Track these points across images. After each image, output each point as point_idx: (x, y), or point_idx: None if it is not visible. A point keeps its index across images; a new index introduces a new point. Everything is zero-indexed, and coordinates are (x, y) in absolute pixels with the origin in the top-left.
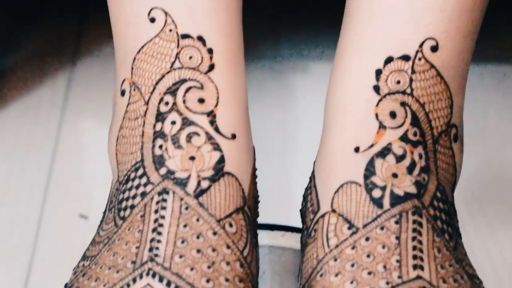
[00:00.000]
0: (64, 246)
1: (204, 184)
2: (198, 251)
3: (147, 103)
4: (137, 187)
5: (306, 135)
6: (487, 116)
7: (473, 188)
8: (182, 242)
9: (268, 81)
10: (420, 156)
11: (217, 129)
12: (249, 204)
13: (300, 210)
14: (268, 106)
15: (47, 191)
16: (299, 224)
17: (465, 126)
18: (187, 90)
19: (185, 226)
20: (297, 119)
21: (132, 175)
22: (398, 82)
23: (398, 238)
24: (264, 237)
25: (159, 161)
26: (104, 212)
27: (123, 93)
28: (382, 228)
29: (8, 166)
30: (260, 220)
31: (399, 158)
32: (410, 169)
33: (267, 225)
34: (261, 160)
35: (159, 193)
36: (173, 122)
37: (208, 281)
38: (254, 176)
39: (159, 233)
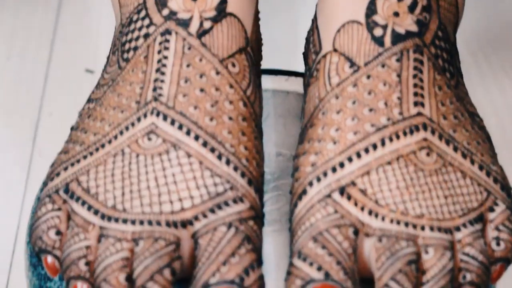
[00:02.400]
0: (71, 100)
1: (207, 24)
2: (202, 90)
3: None
4: (140, 29)
5: None
6: None
7: (478, 37)
8: (186, 81)
9: None
10: None
11: None
12: (252, 46)
13: (303, 53)
14: None
15: (53, 47)
16: (303, 69)
17: None
18: None
19: (188, 66)
20: None
21: (135, 17)
22: None
23: (399, 75)
24: (268, 82)
25: (161, 2)
26: (108, 57)
27: None
28: (383, 66)
29: (14, 22)
30: (265, 66)
31: None
32: (412, 8)
33: (271, 70)
34: (266, 6)
35: (162, 34)
36: None
37: (211, 119)
38: (257, 19)
39: (163, 73)
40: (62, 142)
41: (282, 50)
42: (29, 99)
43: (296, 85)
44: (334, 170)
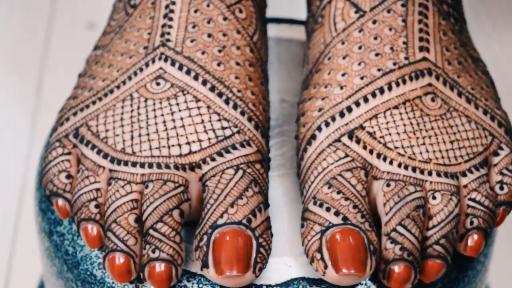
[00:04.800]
0: (74, 56)
1: None
2: (209, 35)
3: None
4: None
5: None
6: None
7: None
8: (193, 27)
9: None
10: None
11: None
12: None
13: (307, 0)
14: None
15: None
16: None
17: None
18: None
19: (195, 11)
20: None
21: None
22: None
23: (404, 20)
24: (271, 30)
25: None
26: (114, 4)
27: None
28: (389, 11)
29: None
30: (268, 14)
31: None
32: None
33: (275, 19)
34: None
35: None
36: None
37: (219, 64)
38: None
39: (170, 19)
40: (65, 93)
41: None
42: (31, 54)
43: (300, 33)
44: (342, 114)
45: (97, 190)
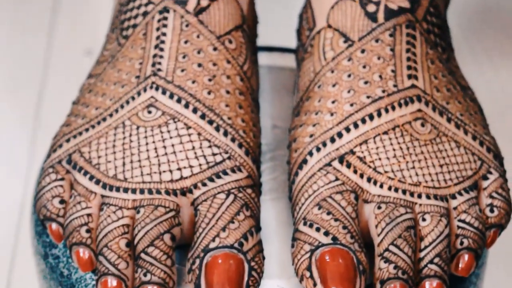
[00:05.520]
0: (72, 82)
1: (204, 2)
2: (199, 65)
3: None
4: (139, 7)
5: None
6: None
7: (470, 16)
8: (184, 57)
9: None
10: None
11: None
12: (248, 23)
13: (297, 30)
14: None
15: (54, 27)
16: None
17: None
18: None
19: (186, 42)
20: None
21: None
22: None
23: (392, 49)
24: (264, 58)
25: None
26: (107, 35)
27: None
28: (377, 41)
29: (13, 4)
30: (260, 43)
31: None
32: None
33: (267, 47)
34: None
35: (160, 12)
36: None
37: (209, 93)
38: None
39: (161, 49)
40: (64, 118)
41: (277, 27)
42: (29, 79)
43: (291, 61)
44: (332, 140)
45: (89, 215)
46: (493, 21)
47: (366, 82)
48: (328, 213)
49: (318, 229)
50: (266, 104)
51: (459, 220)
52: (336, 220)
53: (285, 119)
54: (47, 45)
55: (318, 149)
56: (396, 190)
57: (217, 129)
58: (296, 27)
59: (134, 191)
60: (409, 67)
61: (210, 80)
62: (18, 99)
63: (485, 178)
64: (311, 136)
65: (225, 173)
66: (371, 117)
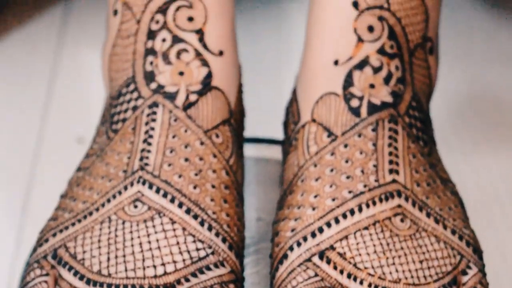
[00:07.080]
0: (63, 170)
1: (192, 97)
2: (186, 159)
3: (138, 22)
4: (129, 101)
5: (294, 57)
6: (472, 33)
7: (458, 104)
8: (171, 151)
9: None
10: (397, 68)
11: (205, 46)
12: (235, 117)
13: (283, 123)
14: (260, 28)
15: (46, 115)
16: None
17: (450, 43)
18: (177, 9)
19: (173, 136)
20: (288, 42)
21: (124, 90)
22: None
23: (375, 144)
24: (250, 149)
25: (149, 77)
26: (97, 128)
27: (115, 12)
28: (359, 136)
29: (6, 92)
30: (247, 134)
31: (376, 70)
32: (387, 80)
33: (254, 139)
34: (250, 78)
35: (150, 106)
36: (164, 40)
37: (195, 187)
38: (240, 91)
39: (149, 144)
40: (53, 208)
41: (265, 118)
42: (20, 168)
43: (277, 152)
44: (313, 235)
45: None
46: (480, 109)
47: (348, 177)
48: None
49: None
50: (252, 196)
51: None
52: None
53: (269, 211)
54: (39, 132)
55: (299, 244)
56: (376, 287)
57: (202, 223)
58: (283, 120)
59: (117, 287)
60: (390, 162)
61: (196, 174)
62: (6, 189)
63: (464, 273)
64: (292, 230)
65: (208, 269)
66: (352, 212)
